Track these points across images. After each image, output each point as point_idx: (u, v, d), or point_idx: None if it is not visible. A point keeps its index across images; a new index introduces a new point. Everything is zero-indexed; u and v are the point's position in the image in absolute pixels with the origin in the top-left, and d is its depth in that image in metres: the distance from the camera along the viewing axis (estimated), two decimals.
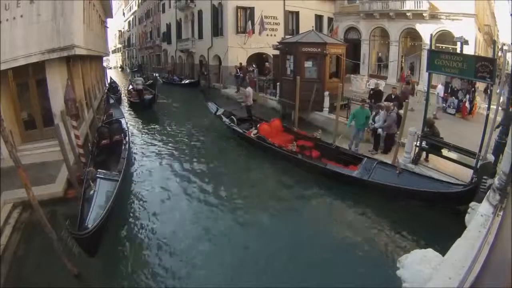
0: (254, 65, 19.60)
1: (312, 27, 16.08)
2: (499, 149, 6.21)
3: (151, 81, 24.26)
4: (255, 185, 8.06)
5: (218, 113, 12.37)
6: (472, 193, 5.24)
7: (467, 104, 12.09)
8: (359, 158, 7.70)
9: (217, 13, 22.27)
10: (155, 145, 11.54)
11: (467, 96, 12.10)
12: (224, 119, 11.71)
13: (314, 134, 9.27)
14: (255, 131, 10.04)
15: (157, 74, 30.05)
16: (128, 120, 13.34)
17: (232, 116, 11.88)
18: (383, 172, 6.81)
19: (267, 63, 19.78)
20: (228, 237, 5.81)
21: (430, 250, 3.53)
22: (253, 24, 20.75)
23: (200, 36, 25.26)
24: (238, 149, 10.72)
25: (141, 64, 40.05)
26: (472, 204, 5.30)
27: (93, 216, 5.02)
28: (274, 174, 8.65)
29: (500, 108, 6.92)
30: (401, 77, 18.99)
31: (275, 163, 9.01)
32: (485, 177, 5.23)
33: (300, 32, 18.86)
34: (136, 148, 10.98)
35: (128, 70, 49.66)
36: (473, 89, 12.06)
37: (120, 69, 58.79)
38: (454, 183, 6.08)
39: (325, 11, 24.72)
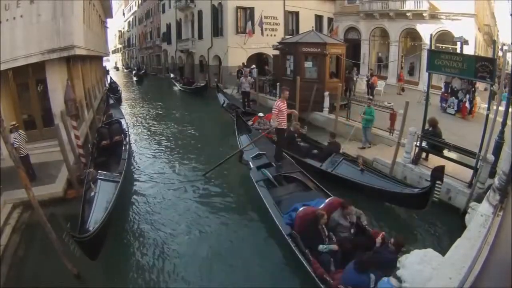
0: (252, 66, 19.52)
1: (312, 27, 16.09)
2: (499, 149, 6.22)
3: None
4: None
5: (225, 105, 13.57)
6: (424, 197, 5.39)
7: (467, 104, 12.10)
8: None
9: (217, 13, 22.27)
10: (156, 143, 11.54)
11: (467, 96, 12.10)
12: (230, 111, 12.63)
13: (300, 129, 9.38)
14: (250, 123, 10.67)
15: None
16: None
17: (237, 109, 12.47)
18: (346, 167, 7.14)
19: (266, 67, 19.80)
20: (228, 236, 5.81)
21: (430, 250, 3.54)
22: (253, 25, 20.74)
23: (200, 36, 25.26)
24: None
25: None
26: (472, 204, 5.31)
27: (94, 218, 5.01)
28: None
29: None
30: (399, 77, 19.01)
31: None
32: (438, 182, 5.22)
33: (300, 32, 18.86)
34: (136, 148, 10.98)
35: (126, 71, 50.20)
36: (473, 89, 12.07)
37: (115, 70, 58.30)
38: (411, 186, 6.38)
39: (325, 11, 24.72)
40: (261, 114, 10.91)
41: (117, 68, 60.03)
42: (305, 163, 7.69)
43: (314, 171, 7.38)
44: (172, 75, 29.65)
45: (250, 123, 10.69)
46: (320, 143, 9.00)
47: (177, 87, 25.60)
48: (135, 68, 42.71)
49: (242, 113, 12.10)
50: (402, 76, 18.78)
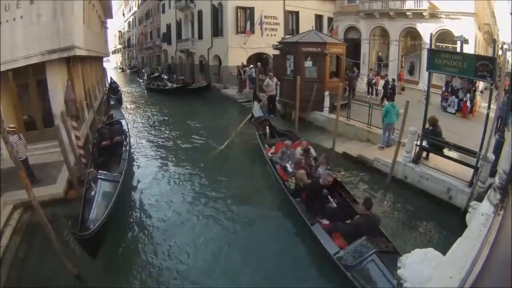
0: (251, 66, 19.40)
1: (312, 27, 16.07)
2: (499, 148, 6.22)
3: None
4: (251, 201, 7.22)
5: (255, 119, 10.71)
6: None
7: (467, 103, 12.08)
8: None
9: (217, 13, 22.27)
10: (155, 145, 11.54)
11: (468, 95, 12.09)
12: (257, 127, 9.82)
13: (334, 174, 6.28)
14: (272, 151, 8.17)
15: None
16: None
17: (267, 126, 9.93)
18: (377, 272, 4.06)
19: (258, 63, 19.23)
20: (229, 237, 5.82)
21: (430, 249, 3.53)
22: (252, 25, 20.75)
23: (200, 36, 25.26)
24: (251, 156, 9.75)
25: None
26: (473, 203, 5.30)
27: (95, 217, 5.03)
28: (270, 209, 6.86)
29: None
30: (399, 76, 18.92)
31: (274, 192, 7.34)
32: None
33: (300, 32, 18.85)
34: (137, 149, 10.99)
35: (130, 72, 49.12)
36: (473, 88, 12.06)
37: (120, 70, 57.71)
38: None
39: (325, 11, 24.71)
40: (288, 142, 7.84)
41: (122, 69, 57.43)
42: (318, 241, 4.82)
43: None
44: (141, 80, 25.77)
45: (272, 150, 8.13)
46: (357, 202, 5.70)
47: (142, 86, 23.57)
48: (145, 71, 33.22)
49: (270, 133, 9.72)
50: (402, 76, 18.75)
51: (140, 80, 31.46)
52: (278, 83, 13.10)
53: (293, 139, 8.78)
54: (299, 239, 5.66)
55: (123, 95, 23.06)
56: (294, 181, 6.21)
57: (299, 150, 7.57)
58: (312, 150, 7.69)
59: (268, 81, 12.94)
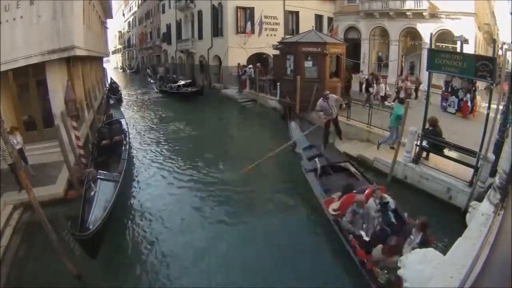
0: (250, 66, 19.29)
1: (312, 27, 16.06)
2: (499, 148, 6.21)
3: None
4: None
5: (298, 148, 8.41)
6: None
7: (468, 103, 12.06)
8: None
9: (217, 13, 22.27)
10: (155, 145, 11.54)
11: (468, 95, 12.07)
12: (304, 160, 7.55)
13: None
14: (336, 205, 5.47)
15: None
16: None
17: (316, 159, 7.27)
18: None
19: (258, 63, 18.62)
20: (230, 237, 5.81)
21: (430, 249, 3.54)
22: (252, 25, 20.75)
23: (200, 36, 25.26)
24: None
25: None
26: (473, 203, 5.30)
27: (94, 217, 5.04)
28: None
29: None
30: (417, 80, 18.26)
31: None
32: None
33: (300, 32, 18.86)
34: (136, 148, 10.98)
35: (130, 72, 48.67)
36: (473, 88, 12.05)
37: (121, 70, 57.44)
38: None
39: (325, 11, 24.71)
40: (361, 197, 5.11)
41: (123, 69, 56.42)
42: None
43: None
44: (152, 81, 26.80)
45: (334, 205, 5.46)
46: None
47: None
48: (150, 72, 31.50)
49: (322, 168, 7.01)
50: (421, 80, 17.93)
51: (152, 81, 29.61)
52: (339, 99, 9.25)
53: (359, 180, 6.62)
54: None
55: (123, 96, 23.04)
56: (387, 275, 3.92)
57: (371, 204, 5.00)
58: (390, 201, 5.14)
59: (321, 103, 8.69)
